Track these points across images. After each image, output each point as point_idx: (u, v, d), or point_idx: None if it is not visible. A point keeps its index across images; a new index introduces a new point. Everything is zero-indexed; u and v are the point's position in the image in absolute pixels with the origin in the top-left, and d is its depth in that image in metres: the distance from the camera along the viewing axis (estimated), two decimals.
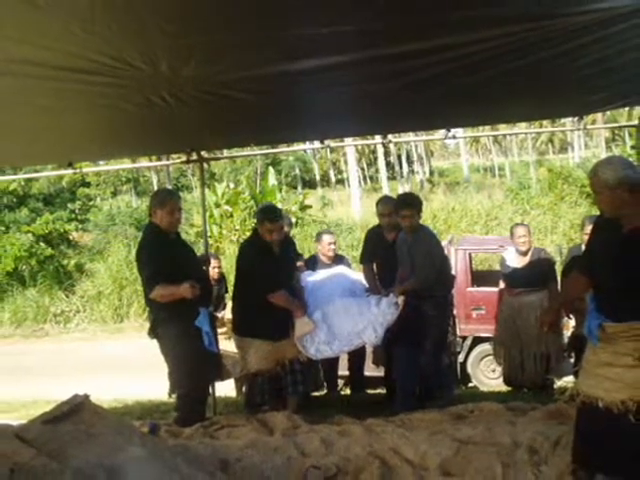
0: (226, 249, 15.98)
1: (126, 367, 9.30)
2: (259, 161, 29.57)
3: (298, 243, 8.18)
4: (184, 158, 5.30)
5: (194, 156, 5.15)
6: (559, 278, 5.55)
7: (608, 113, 22.35)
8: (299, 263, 5.30)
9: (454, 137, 5.02)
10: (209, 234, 13.22)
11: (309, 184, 39.90)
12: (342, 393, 6.47)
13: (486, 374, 7.98)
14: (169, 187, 22.44)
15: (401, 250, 4.67)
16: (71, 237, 20.68)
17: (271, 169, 20.84)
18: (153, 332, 4.12)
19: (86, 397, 2.89)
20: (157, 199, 4.19)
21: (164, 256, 3.97)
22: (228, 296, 5.92)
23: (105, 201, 28.99)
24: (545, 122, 20.69)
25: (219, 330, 4.75)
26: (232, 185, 20.07)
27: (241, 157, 21.41)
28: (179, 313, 3.96)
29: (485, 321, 7.43)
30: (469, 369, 8.01)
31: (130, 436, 2.83)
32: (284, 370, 4.38)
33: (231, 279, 5.48)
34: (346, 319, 4.40)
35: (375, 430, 3.65)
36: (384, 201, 5.02)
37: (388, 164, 36.00)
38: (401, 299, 4.38)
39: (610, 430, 2.67)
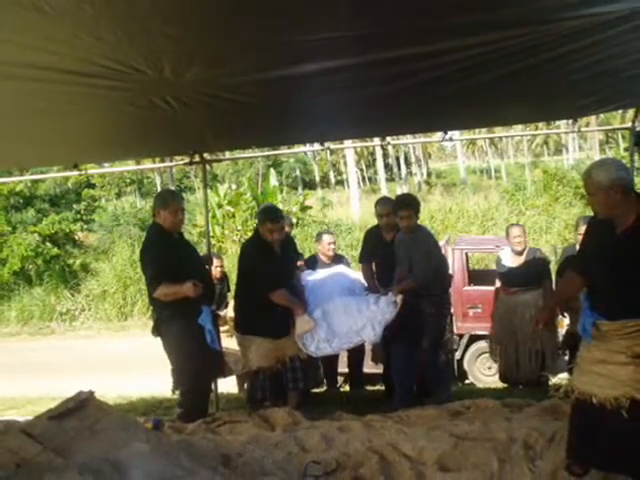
0: (228, 249, 16.10)
1: (130, 364, 9.36)
2: (260, 163, 29.62)
3: (298, 243, 8.24)
4: (187, 160, 5.33)
5: (197, 158, 5.18)
6: (554, 277, 5.62)
7: (602, 116, 22.36)
8: (299, 262, 5.34)
9: (451, 139, 5.07)
10: (211, 234, 13.25)
11: (309, 185, 39.89)
12: (342, 390, 6.50)
13: (482, 371, 8.02)
14: (172, 188, 22.44)
15: (399, 250, 4.72)
16: (76, 237, 20.83)
17: (272, 170, 20.92)
18: (157, 330, 4.17)
19: (91, 394, 2.93)
20: (160, 200, 4.24)
21: (167, 256, 4.02)
22: (230, 295, 5.96)
23: (110, 202, 28.98)
24: (540, 124, 20.75)
25: (221, 328, 4.80)
26: (234, 186, 20.16)
27: (243, 159, 21.44)
28: (182, 311, 4.01)
29: (481, 319, 7.51)
30: (466, 366, 8.05)
31: (134, 432, 2.86)
32: (285, 367, 4.43)
33: (233, 278, 5.54)
34: (345, 317, 4.44)
35: (374, 426, 3.69)
36: (382, 202, 5.07)
37: (386, 166, 36.02)
38: (399, 298, 4.42)
39: (604, 426, 2.71)
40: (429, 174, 44.83)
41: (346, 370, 6.10)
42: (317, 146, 5.66)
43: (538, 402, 3.96)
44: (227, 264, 7.95)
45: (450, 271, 5.86)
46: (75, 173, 5.62)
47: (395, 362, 4.72)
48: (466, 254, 8.37)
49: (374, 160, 37.24)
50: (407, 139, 8.99)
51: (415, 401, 4.44)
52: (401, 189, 29.72)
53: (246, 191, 19.05)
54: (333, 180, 42.89)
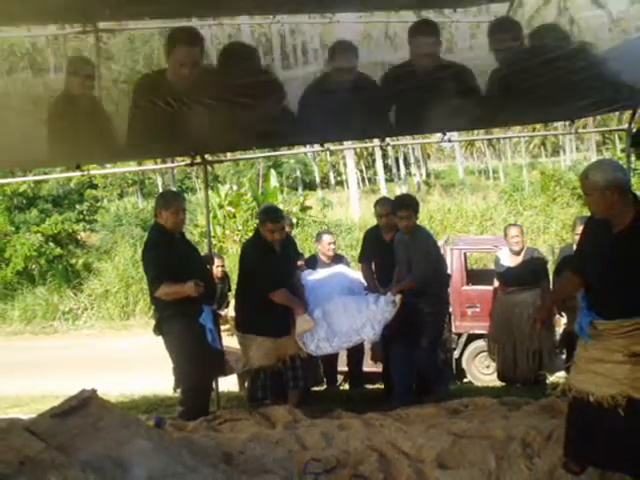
0: (229, 249, 16.15)
1: (132, 363, 9.40)
2: (261, 163, 29.57)
3: (299, 243, 8.26)
4: (188, 161, 5.34)
5: (198, 159, 5.21)
6: (551, 277, 5.65)
7: (599, 117, 22.33)
8: (300, 262, 5.37)
9: (449, 140, 5.10)
10: (212, 234, 13.26)
11: (309, 186, 39.79)
12: (341, 388, 6.54)
13: (480, 370, 8.06)
14: (174, 189, 22.46)
15: (398, 250, 4.75)
16: (79, 237, 20.93)
17: (273, 171, 20.95)
18: (158, 329, 4.20)
19: (93, 392, 2.94)
20: (162, 200, 4.27)
21: (169, 256, 4.05)
22: (231, 294, 5.99)
23: (112, 202, 28.98)
24: (538, 126, 20.82)
25: (222, 327, 4.82)
26: (235, 187, 20.17)
27: (243, 160, 21.41)
28: (183, 311, 4.04)
29: (480, 318, 7.52)
30: (464, 365, 8.09)
31: (136, 430, 2.87)
32: (285, 366, 4.46)
33: (234, 278, 5.56)
34: (345, 317, 4.47)
35: (373, 424, 3.71)
36: (382, 202, 5.11)
37: (386, 166, 35.97)
38: (398, 297, 4.45)
39: (601, 424, 2.73)
40: (428, 175, 44.71)
41: (346, 369, 6.12)
42: (317, 147, 5.67)
43: (536, 400, 3.99)
44: (228, 264, 7.99)
45: (449, 271, 5.89)
46: (77, 174, 5.65)
47: (394, 361, 4.74)
48: (465, 254, 8.41)
49: (373, 161, 37.20)
50: (406, 140, 9.00)
51: (414, 399, 4.45)
52: (400, 189, 29.73)
53: (247, 192, 19.08)
54: (333, 181, 42.83)
